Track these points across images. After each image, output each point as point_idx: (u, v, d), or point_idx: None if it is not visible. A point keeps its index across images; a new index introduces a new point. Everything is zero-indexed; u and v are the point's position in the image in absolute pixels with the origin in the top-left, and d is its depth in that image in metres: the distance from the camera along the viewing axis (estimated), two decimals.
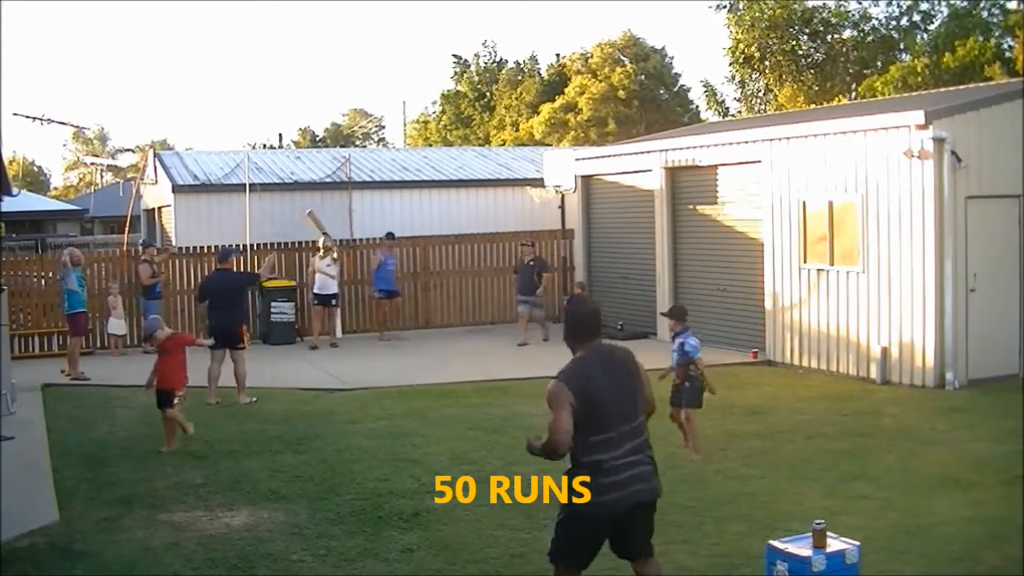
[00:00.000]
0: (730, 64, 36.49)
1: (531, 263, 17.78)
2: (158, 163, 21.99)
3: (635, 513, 5.12)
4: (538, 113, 43.19)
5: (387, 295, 18.67)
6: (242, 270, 17.38)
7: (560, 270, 19.58)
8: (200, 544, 7.34)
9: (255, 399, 12.80)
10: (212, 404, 12.52)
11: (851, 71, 36.12)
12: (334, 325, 18.79)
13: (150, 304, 16.81)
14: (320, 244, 18.24)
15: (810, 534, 5.45)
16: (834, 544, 5.46)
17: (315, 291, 18.09)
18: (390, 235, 19.01)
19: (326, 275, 18.07)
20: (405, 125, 57.77)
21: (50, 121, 22.00)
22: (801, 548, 5.43)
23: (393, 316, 18.98)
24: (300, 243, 19.24)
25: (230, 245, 16.25)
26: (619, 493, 5.02)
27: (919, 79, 30.83)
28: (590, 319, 5.39)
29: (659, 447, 9.98)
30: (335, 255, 18.43)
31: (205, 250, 18.44)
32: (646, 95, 42.83)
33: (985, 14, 33.53)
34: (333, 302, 18.36)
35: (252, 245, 18.90)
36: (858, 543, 5.57)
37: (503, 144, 40.94)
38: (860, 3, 36.35)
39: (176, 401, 10.34)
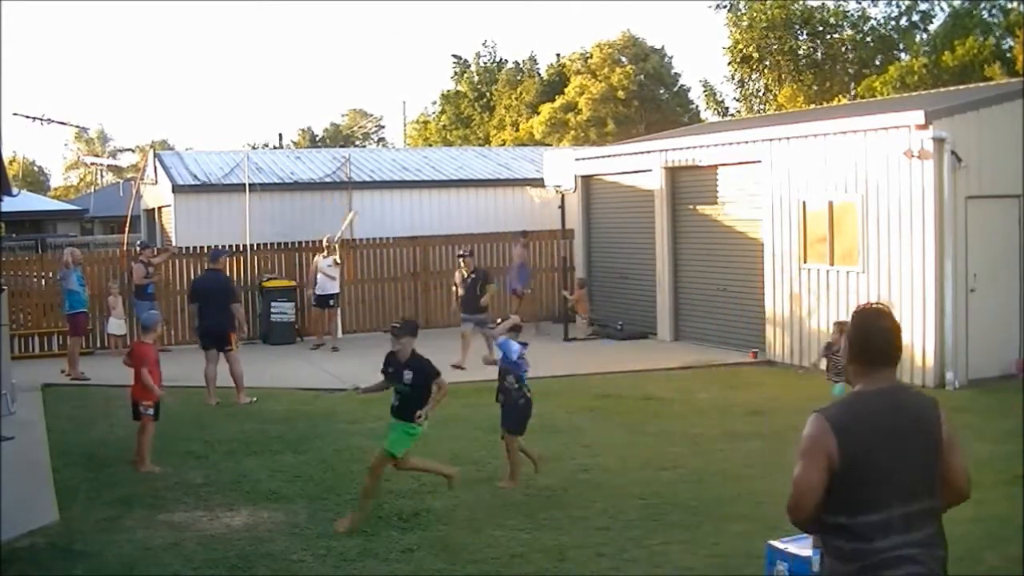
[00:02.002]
0: (729, 64, 36.54)
1: (472, 276, 15.47)
2: (158, 163, 21.99)
3: None
4: (538, 113, 43.18)
5: (523, 292, 18.43)
6: (240, 272, 17.38)
7: (560, 270, 19.54)
8: (200, 544, 7.34)
9: (255, 399, 12.80)
10: (212, 405, 12.55)
11: (850, 71, 36.13)
12: (335, 325, 18.74)
13: (141, 304, 16.78)
14: (325, 243, 18.15)
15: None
16: None
17: (316, 292, 17.95)
18: (524, 233, 18.86)
19: (327, 275, 17.97)
20: (405, 125, 57.82)
21: (50, 121, 22.01)
22: (801, 548, 5.41)
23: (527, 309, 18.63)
24: (300, 243, 19.24)
25: (221, 246, 16.21)
26: None
27: (916, 79, 30.84)
28: (881, 338, 3.69)
29: (659, 446, 10.13)
30: (338, 258, 18.38)
31: (205, 250, 18.39)
32: (646, 95, 42.82)
33: (985, 14, 33.54)
34: (331, 302, 18.29)
35: (252, 245, 18.91)
36: None
37: (503, 144, 40.93)
38: (859, 3, 36.43)
39: (143, 413, 9.56)
